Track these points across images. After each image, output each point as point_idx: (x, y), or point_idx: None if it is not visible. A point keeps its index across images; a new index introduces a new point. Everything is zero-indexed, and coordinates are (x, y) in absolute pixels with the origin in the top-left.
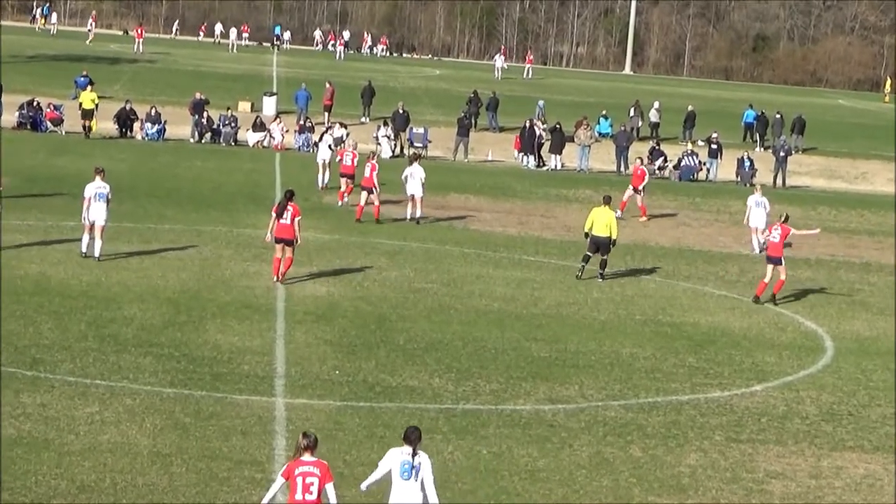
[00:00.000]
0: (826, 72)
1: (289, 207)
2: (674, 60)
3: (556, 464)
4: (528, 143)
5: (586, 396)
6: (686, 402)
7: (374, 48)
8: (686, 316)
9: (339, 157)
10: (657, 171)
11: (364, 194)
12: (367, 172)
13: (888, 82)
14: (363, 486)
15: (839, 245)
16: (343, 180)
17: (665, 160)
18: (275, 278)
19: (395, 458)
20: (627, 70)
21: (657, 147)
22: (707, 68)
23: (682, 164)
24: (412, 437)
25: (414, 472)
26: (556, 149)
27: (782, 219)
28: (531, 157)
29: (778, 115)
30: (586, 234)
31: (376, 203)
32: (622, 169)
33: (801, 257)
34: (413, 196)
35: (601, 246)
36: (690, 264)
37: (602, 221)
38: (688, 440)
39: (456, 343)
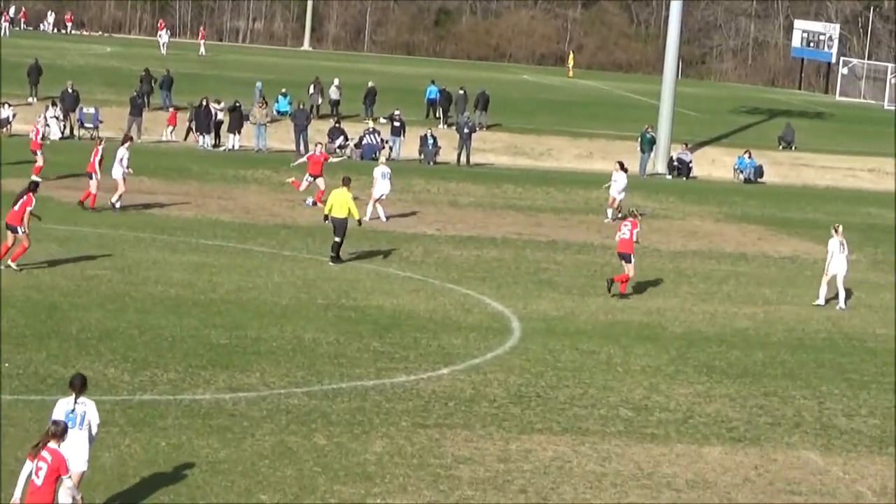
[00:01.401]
0: (510, 46)
1: (24, 197)
2: (354, 36)
3: (237, 454)
4: (204, 123)
5: (268, 384)
6: (371, 387)
7: (46, 24)
8: (370, 299)
9: (34, 135)
10: (337, 150)
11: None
12: (91, 157)
13: (571, 56)
14: None
15: (525, 223)
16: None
17: (346, 139)
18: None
19: (61, 408)
20: (306, 46)
21: (338, 125)
22: (389, 44)
23: (364, 142)
24: (76, 384)
25: (79, 419)
26: (235, 128)
27: (632, 213)
28: (207, 138)
29: (461, 91)
30: (325, 217)
31: (93, 191)
32: (301, 149)
33: (487, 236)
34: (115, 179)
35: (338, 228)
36: (373, 245)
37: (340, 203)
38: (373, 426)
39: (131, 331)
